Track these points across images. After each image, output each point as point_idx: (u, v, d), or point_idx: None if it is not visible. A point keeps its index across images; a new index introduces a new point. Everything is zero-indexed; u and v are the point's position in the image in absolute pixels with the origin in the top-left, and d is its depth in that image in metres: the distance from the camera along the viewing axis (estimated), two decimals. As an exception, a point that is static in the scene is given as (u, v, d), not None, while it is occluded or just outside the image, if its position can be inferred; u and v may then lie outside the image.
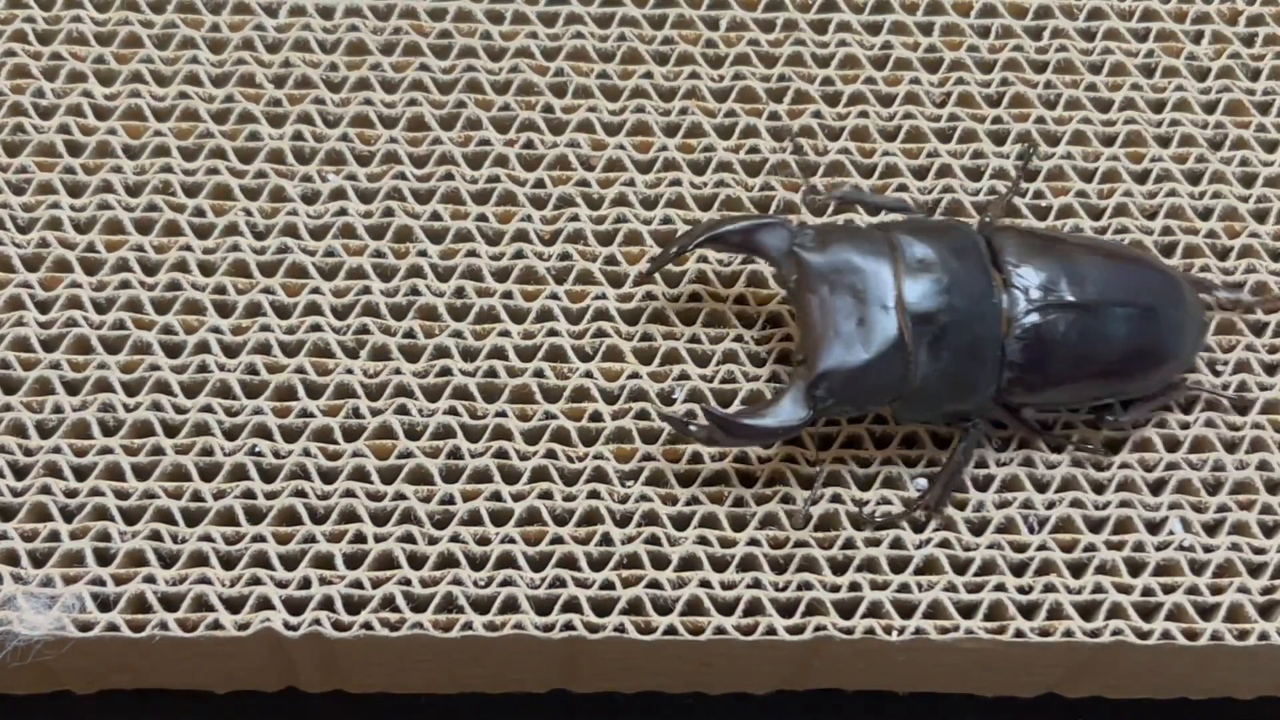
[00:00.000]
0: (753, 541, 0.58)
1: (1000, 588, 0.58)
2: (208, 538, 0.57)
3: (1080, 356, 0.57)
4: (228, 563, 0.57)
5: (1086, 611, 0.58)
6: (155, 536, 0.57)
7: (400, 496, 0.58)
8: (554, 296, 0.61)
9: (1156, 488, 0.60)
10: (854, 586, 0.57)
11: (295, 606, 0.56)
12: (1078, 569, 0.59)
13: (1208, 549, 0.59)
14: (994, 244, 0.57)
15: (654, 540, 0.58)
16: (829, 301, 0.55)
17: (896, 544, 0.58)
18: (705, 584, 0.57)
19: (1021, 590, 0.58)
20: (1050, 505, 0.59)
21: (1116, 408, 0.59)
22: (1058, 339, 0.56)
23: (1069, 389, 0.58)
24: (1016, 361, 0.56)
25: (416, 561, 0.57)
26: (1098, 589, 0.58)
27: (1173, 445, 0.61)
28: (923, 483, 0.59)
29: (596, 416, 0.60)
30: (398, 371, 0.60)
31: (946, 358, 0.55)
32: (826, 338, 0.54)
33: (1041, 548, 0.59)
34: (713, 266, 0.62)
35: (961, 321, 0.55)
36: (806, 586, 0.57)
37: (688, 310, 0.61)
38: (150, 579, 0.56)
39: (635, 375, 0.60)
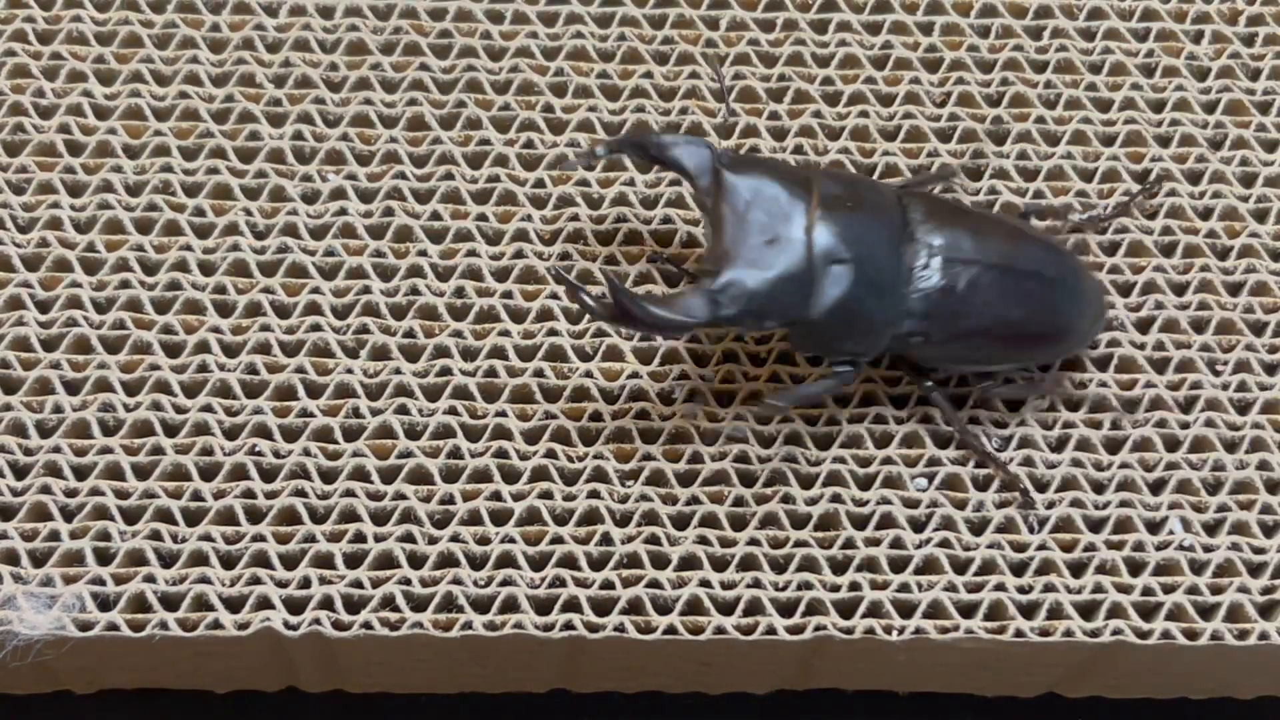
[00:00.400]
0: (753, 541, 0.58)
1: (1000, 587, 0.58)
2: (208, 537, 0.57)
3: (978, 315, 0.58)
4: (228, 562, 0.57)
5: (1086, 611, 0.58)
6: (155, 536, 0.57)
7: (400, 496, 0.58)
8: (554, 296, 0.61)
9: (1156, 488, 0.60)
10: (854, 586, 0.57)
11: (295, 606, 0.56)
12: (1078, 569, 0.59)
13: (1208, 549, 0.59)
14: (905, 203, 0.58)
15: (654, 540, 0.58)
16: (744, 217, 0.56)
17: (896, 544, 0.58)
18: (705, 584, 0.57)
19: (1021, 590, 0.58)
20: (1050, 505, 0.59)
21: (999, 378, 0.60)
22: (957, 293, 0.57)
23: (965, 346, 0.58)
24: (916, 311, 0.57)
25: (416, 561, 0.57)
26: (1098, 589, 0.58)
27: (1173, 445, 0.61)
28: (922, 482, 0.59)
29: (596, 416, 0.60)
30: (398, 371, 0.60)
31: (846, 294, 0.56)
32: (737, 249, 0.55)
33: (1041, 548, 0.59)
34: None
35: (865, 262, 0.56)
36: (806, 586, 0.57)
37: (688, 310, 0.61)
38: (150, 578, 0.56)
39: (635, 375, 0.60)
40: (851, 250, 0.56)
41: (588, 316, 0.58)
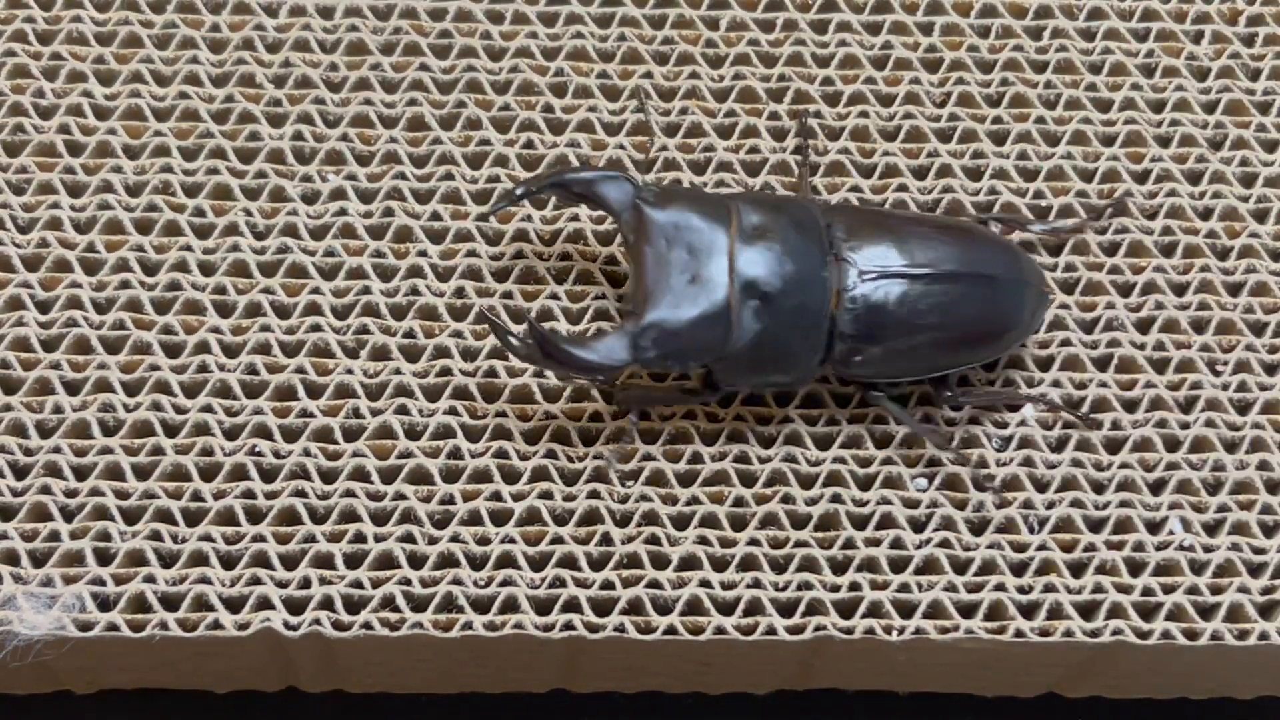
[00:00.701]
0: (753, 541, 0.58)
1: (1000, 588, 0.58)
2: (208, 537, 0.57)
3: (913, 324, 0.58)
4: (228, 562, 0.57)
5: (1086, 611, 0.58)
6: (155, 536, 0.57)
7: (400, 496, 0.58)
8: (554, 296, 0.61)
9: (1156, 488, 0.60)
10: (854, 586, 0.57)
11: (295, 606, 0.56)
12: (1078, 569, 0.59)
13: (1208, 549, 0.59)
14: (828, 221, 0.58)
15: (654, 540, 0.58)
16: (664, 256, 0.56)
17: (896, 544, 0.58)
18: (705, 584, 0.57)
19: (1021, 590, 0.58)
20: (1050, 505, 0.59)
21: (953, 385, 0.60)
22: (888, 308, 0.57)
23: (907, 359, 0.58)
24: (848, 332, 0.57)
25: (416, 561, 0.57)
26: (1098, 589, 0.58)
27: (1173, 445, 0.61)
28: (922, 483, 0.59)
29: (596, 417, 0.59)
30: (398, 371, 0.60)
31: (770, 325, 0.56)
32: (657, 290, 0.56)
33: (1041, 548, 0.59)
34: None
35: (789, 291, 0.56)
36: (806, 586, 0.57)
37: (688, 310, 0.61)
38: (150, 579, 0.56)
39: (635, 376, 0.60)
40: (773, 282, 0.56)
41: (514, 356, 0.58)
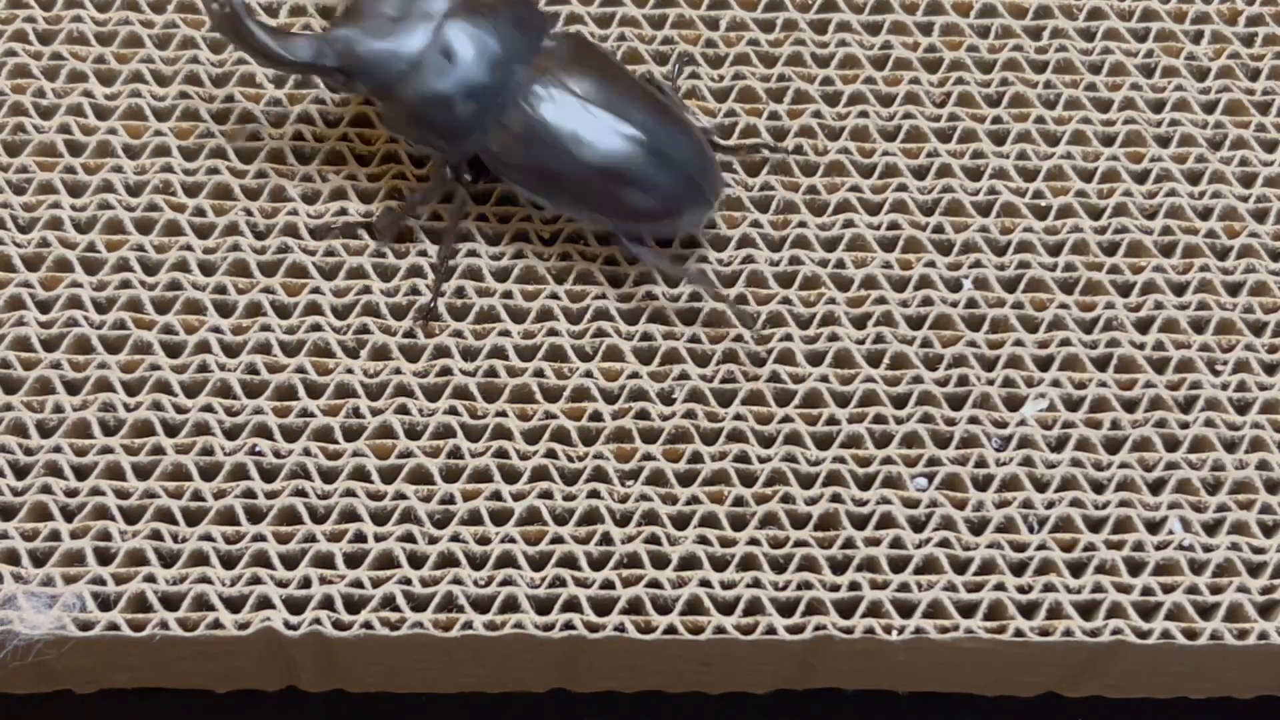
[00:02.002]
0: (752, 541, 0.58)
1: (1000, 587, 0.58)
2: (208, 537, 0.57)
3: (569, 153, 0.59)
4: (228, 562, 0.57)
5: (1086, 611, 0.58)
6: (156, 536, 0.57)
7: (400, 496, 0.58)
8: (554, 296, 0.61)
9: (1156, 487, 0.60)
10: (854, 586, 0.57)
11: (295, 606, 0.56)
12: (1077, 569, 0.59)
13: (1207, 549, 0.59)
14: (551, 33, 0.60)
15: (654, 540, 0.58)
16: None
17: (896, 544, 0.58)
18: (705, 583, 0.57)
19: (1021, 590, 0.58)
20: (1050, 505, 0.59)
21: (624, 240, 0.61)
22: (553, 125, 0.59)
23: (554, 184, 0.60)
24: (513, 129, 0.59)
25: (417, 561, 0.57)
26: (1097, 589, 0.58)
27: (1172, 445, 0.61)
28: (922, 482, 0.59)
29: (596, 416, 0.60)
30: (398, 371, 0.60)
31: (446, 89, 0.58)
32: (363, 11, 0.58)
33: (1041, 547, 0.59)
34: (713, 266, 0.62)
35: (473, 68, 0.58)
36: (806, 586, 0.57)
37: (687, 310, 0.61)
38: (151, 578, 0.56)
39: (635, 375, 0.60)
40: (467, 52, 0.58)
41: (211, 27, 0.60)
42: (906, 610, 0.57)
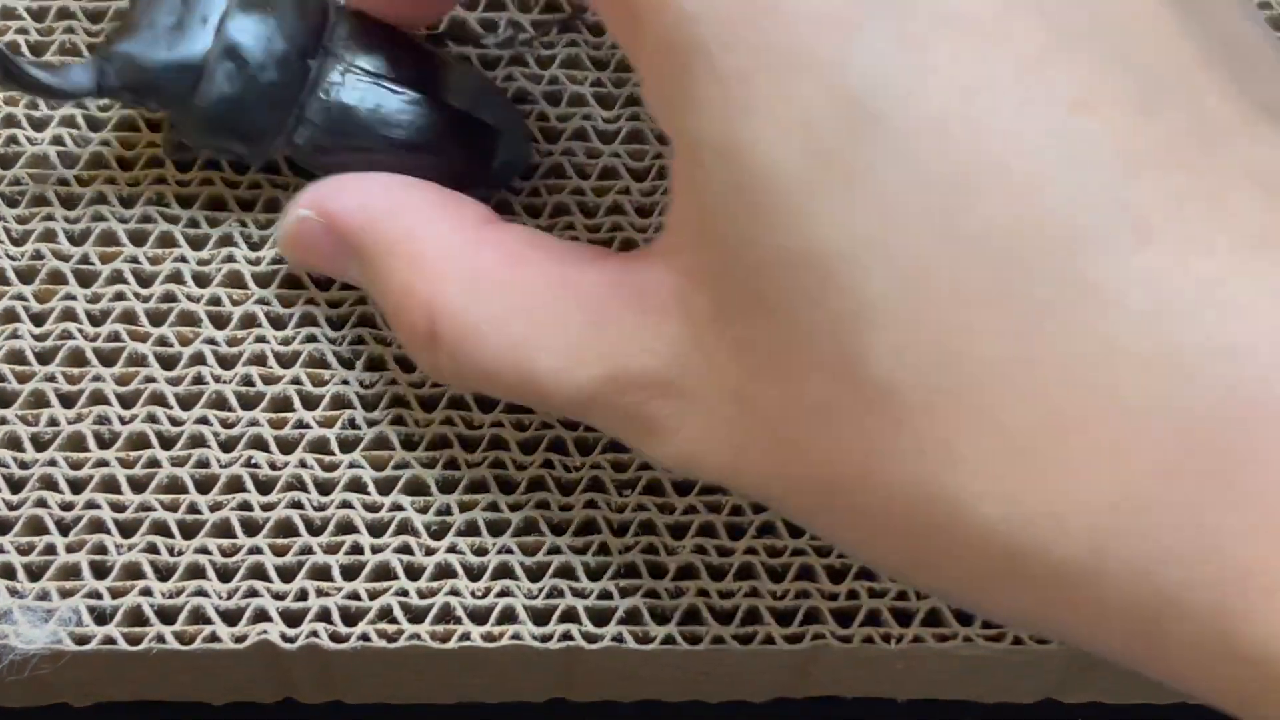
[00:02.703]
0: (750, 550, 0.58)
1: (998, 595, 0.58)
2: (204, 550, 0.57)
3: (379, 137, 0.59)
4: (224, 575, 0.57)
5: (1084, 618, 0.58)
6: (152, 549, 0.57)
7: (397, 507, 0.58)
8: (549, 305, 0.61)
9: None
10: (852, 594, 0.57)
11: (292, 618, 0.56)
12: (1075, 575, 0.58)
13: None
14: (335, 17, 0.59)
15: (651, 550, 0.58)
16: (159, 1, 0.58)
17: (894, 552, 0.58)
18: (703, 593, 0.57)
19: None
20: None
21: None
22: (355, 109, 0.58)
23: (368, 167, 0.59)
24: (315, 122, 0.58)
25: (413, 572, 0.57)
26: (1096, 595, 0.58)
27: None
28: None
29: (594, 426, 0.59)
30: (393, 382, 0.60)
31: (234, 93, 0.57)
32: (139, 24, 0.57)
33: (1039, 554, 0.58)
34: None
35: (264, 67, 0.57)
36: (804, 595, 0.57)
37: (684, 318, 0.61)
38: (147, 592, 0.56)
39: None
40: (254, 53, 0.57)
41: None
42: (904, 618, 0.57)
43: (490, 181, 0.61)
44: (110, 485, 0.58)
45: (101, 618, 0.56)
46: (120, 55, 0.57)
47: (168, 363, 0.60)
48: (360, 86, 0.58)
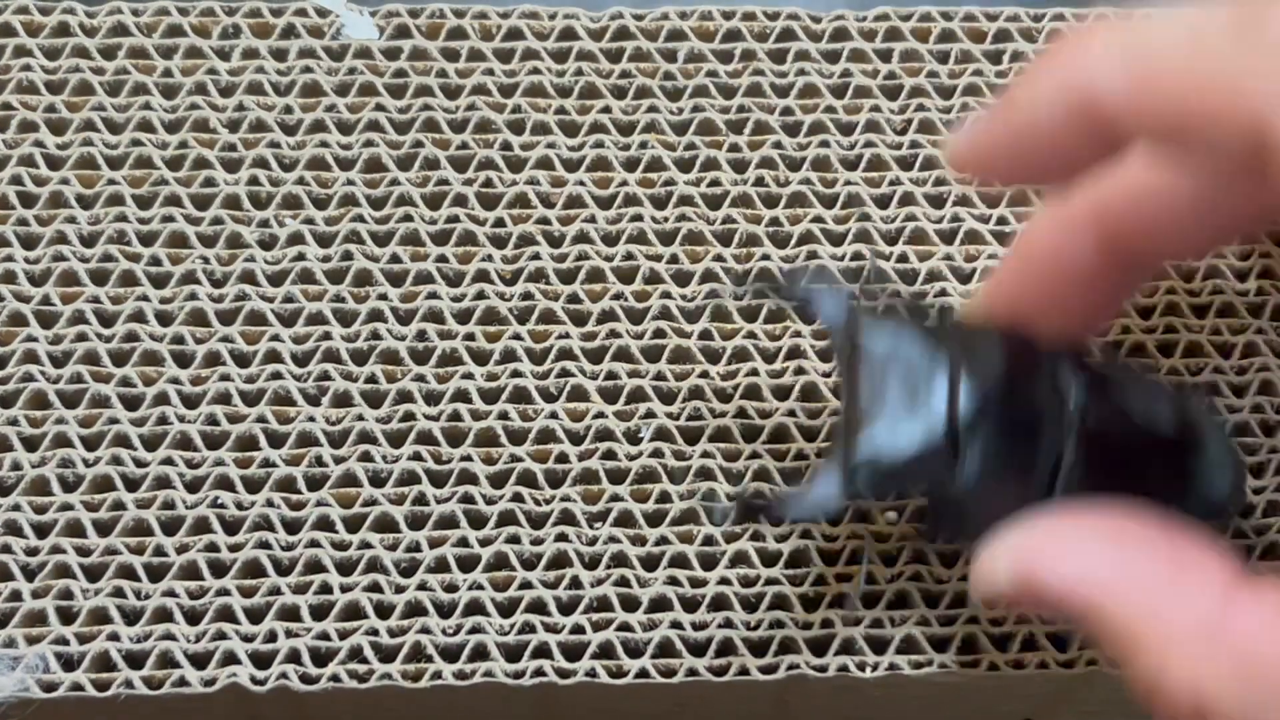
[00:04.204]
0: (723, 580, 0.57)
1: (974, 620, 0.57)
2: (171, 593, 0.56)
3: (1127, 477, 0.52)
4: (192, 618, 0.56)
5: (1060, 641, 0.57)
6: (118, 593, 0.56)
7: (366, 545, 0.57)
8: (517, 337, 0.61)
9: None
10: (826, 623, 0.57)
11: (262, 660, 0.55)
12: (1051, 599, 0.58)
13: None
14: (1055, 364, 0.53)
15: (623, 582, 0.57)
16: (880, 383, 0.51)
17: (869, 579, 0.58)
18: (677, 625, 0.57)
19: (995, 622, 0.57)
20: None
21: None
22: (1110, 432, 0.52)
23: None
24: (1073, 458, 0.51)
25: (383, 611, 0.56)
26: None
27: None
28: (893, 515, 0.59)
29: (563, 458, 0.59)
30: (360, 418, 0.59)
31: (995, 464, 0.51)
32: (870, 417, 0.51)
33: (1014, 579, 0.58)
34: (675, 302, 0.61)
35: (1014, 433, 0.51)
36: (779, 625, 0.57)
37: (652, 347, 0.61)
38: (114, 636, 0.55)
39: (601, 415, 0.60)
40: (1000, 422, 0.51)
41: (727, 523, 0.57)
42: (880, 646, 0.57)
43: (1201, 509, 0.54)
44: (75, 529, 0.57)
45: (69, 664, 0.55)
46: (867, 459, 0.50)
47: (131, 403, 0.59)
48: (1099, 442, 0.51)
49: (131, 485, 0.58)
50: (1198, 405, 0.56)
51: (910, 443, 0.50)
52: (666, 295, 0.61)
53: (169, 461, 0.58)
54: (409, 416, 0.59)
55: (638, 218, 0.63)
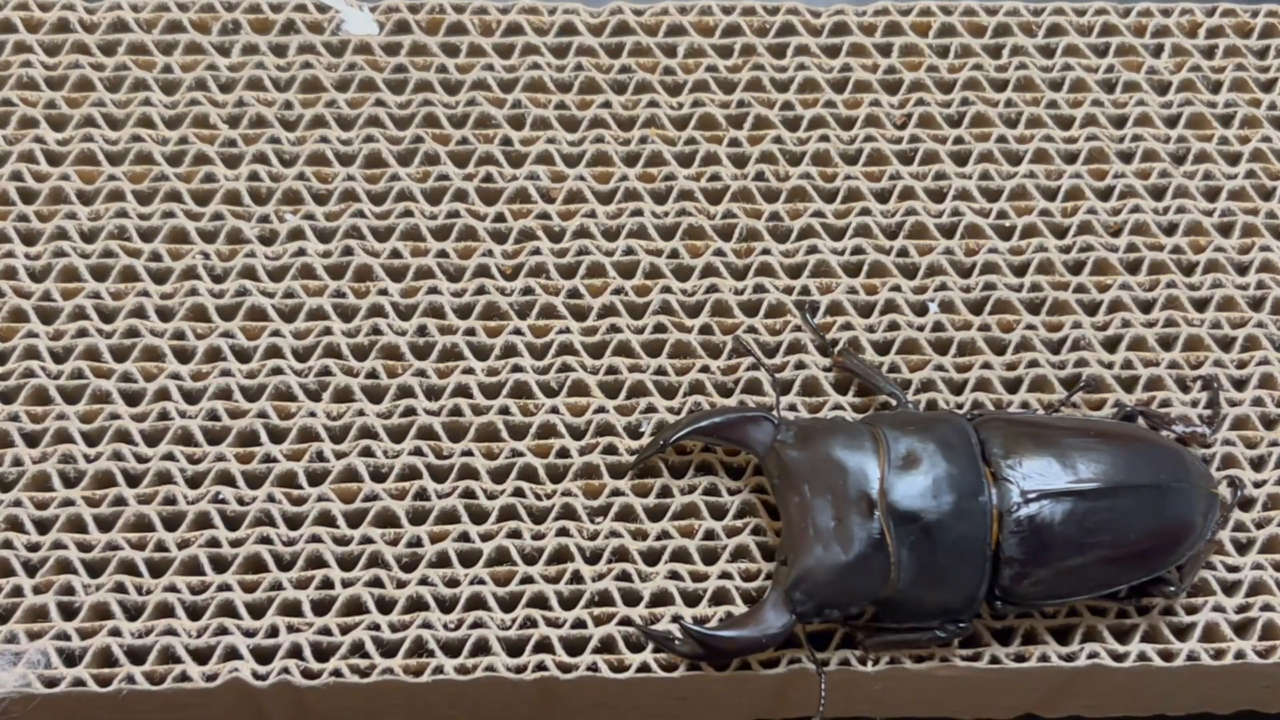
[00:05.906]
0: (724, 575, 0.57)
1: (975, 615, 0.57)
2: (173, 588, 0.56)
3: (1084, 544, 0.54)
4: (193, 613, 0.56)
5: (1062, 635, 0.57)
6: (120, 589, 0.56)
7: (367, 540, 0.57)
8: (517, 332, 0.61)
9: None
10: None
11: (263, 655, 0.55)
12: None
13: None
14: (982, 436, 0.55)
15: (625, 576, 0.57)
16: (809, 501, 0.53)
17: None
18: (678, 619, 0.57)
19: (996, 617, 0.57)
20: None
21: (1174, 578, 0.57)
22: (1055, 529, 0.54)
23: (1077, 579, 0.55)
24: (1015, 557, 0.54)
25: (385, 606, 0.56)
26: (1073, 612, 0.57)
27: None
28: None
29: (564, 453, 0.59)
30: (361, 413, 0.59)
31: (931, 558, 0.53)
32: (805, 539, 0.53)
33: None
34: (677, 297, 0.61)
35: (948, 520, 0.53)
36: (780, 619, 0.57)
37: (652, 342, 0.61)
38: (116, 632, 0.55)
39: (601, 409, 0.60)
40: (932, 514, 0.53)
41: (681, 660, 0.56)
42: (881, 640, 0.57)
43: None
44: (76, 525, 0.57)
45: (71, 659, 0.55)
46: (805, 577, 0.53)
47: (132, 399, 0.59)
48: (1041, 504, 0.54)
49: (133, 480, 0.58)
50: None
51: (843, 555, 0.53)
52: (667, 290, 0.61)
53: (170, 457, 0.58)
54: (410, 411, 0.59)
55: (638, 212, 0.63)
